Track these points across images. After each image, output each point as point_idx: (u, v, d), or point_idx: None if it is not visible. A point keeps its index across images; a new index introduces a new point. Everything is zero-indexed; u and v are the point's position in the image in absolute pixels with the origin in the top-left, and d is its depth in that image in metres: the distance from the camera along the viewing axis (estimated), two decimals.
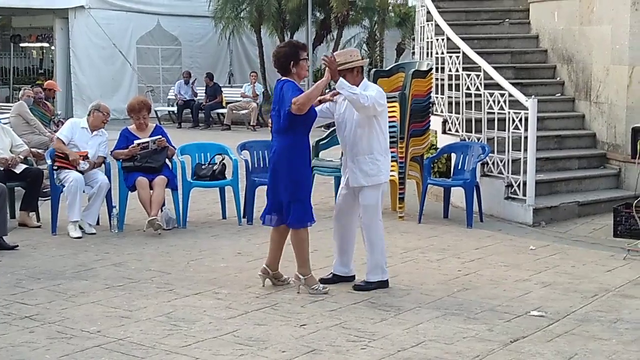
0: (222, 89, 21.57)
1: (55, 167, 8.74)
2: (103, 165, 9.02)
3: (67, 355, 5.11)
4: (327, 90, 7.14)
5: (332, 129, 10.31)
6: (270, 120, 6.71)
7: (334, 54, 6.61)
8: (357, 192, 6.64)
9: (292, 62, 6.40)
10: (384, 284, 6.62)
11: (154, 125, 9.30)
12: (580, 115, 11.20)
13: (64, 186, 8.63)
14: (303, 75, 6.51)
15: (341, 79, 6.33)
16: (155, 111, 19.82)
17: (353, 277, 6.79)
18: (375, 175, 6.55)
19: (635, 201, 8.47)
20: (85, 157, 8.75)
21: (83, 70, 21.37)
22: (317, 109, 6.63)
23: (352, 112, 6.51)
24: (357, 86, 6.44)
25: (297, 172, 6.40)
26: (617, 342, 5.43)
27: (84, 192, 8.67)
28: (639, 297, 6.48)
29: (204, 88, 21.29)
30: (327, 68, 6.37)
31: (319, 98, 6.65)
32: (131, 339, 5.40)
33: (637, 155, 8.22)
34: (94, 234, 8.60)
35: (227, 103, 20.95)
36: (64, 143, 8.82)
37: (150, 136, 8.92)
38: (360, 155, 6.55)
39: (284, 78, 6.46)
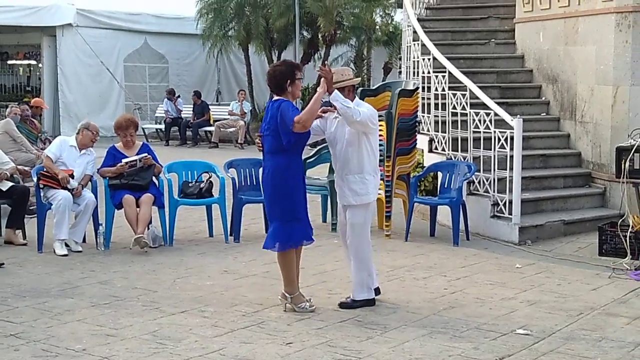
0: (210, 107, 21.59)
1: (41, 186, 8.71)
2: (90, 183, 9.01)
3: None
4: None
5: (319, 147, 10.37)
6: (259, 140, 6.68)
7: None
8: (346, 210, 6.66)
9: (288, 81, 6.41)
10: (369, 303, 6.63)
11: (141, 143, 9.30)
12: (565, 135, 11.28)
13: (50, 204, 8.61)
14: (297, 95, 6.53)
15: (336, 91, 6.36)
16: (143, 129, 19.80)
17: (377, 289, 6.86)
18: (365, 195, 6.57)
19: (620, 220, 8.52)
20: (71, 176, 8.73)
21: (70, 87, 21.34)
22: None
23: (344, 131, 6.54)
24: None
25: (294, 193, 6.41)
26: None
27: (72, 210, 8.65)
28: (624, 315, 6.52)
29: (192, 106, 21.31)
30: (322, 79, 6.39)
31: None
32: (117, 358, 5.39)
33: (622, 175, 8.27)
34: (81, 251, 8.58)
35: (215, 121, 20.97)
36: (52, 161, 8.80)
37: (137, 154, 8.92)
38: (350, 174, 6.57)
39: (277, 97, 6.46)
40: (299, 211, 6.49)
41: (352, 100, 6.53)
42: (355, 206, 6.58)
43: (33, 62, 26.36)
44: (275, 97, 6.51)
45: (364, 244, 6.63)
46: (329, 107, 6.60)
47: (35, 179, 8.84)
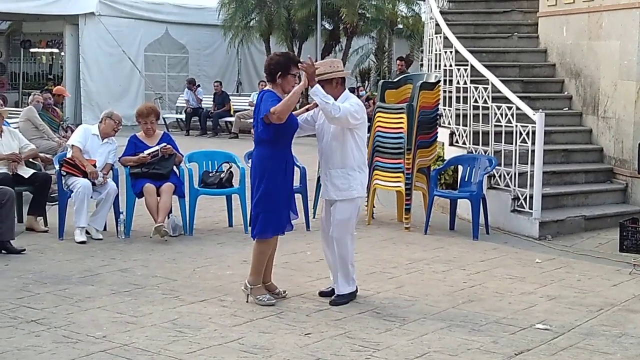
0: (230, 98, 21.63)
1: (63, 173, 8.77)
2: (111, 171, 9.06)
3: None
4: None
5: None
6: (252, 131, 6.65)
7: (315, 63, 6.45)
8: (330, 205, 6.58)
9: (279, 73, 6.34)
10: (354, 295, 6.58)
11: (162, 132, 9.34)
12: (587, 130, 11.21)
13: (71, 191, 8.66)
14: (287, 90, 6.31)
15: (317, 85, 6.21)
16: (164, 118, 19.89)
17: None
18: (347, 190, 6.42)
19: None
20: (94, 166, 8.78)
21: (92, 76, 21.45)
22: (300, 118, 6.59)
23: (329, 124, 6.42)
24: (337, 98, 6.34)
25: (269, 184, 6.31)
26: (621, 356, 5.43)
27: (92, 197, 8.70)
28: None
29: (212, 96, 21.36)
30: (305, 73, 6.27)
31: (306, 107, 6.67)
32: (136, 345, 5.42)
33: None
34: (101, 239, 8.63)
35: (235, 111, 21.00)
36: (80, 151, 8.83)
37: (157, 143, 8.96)
38: (333, 169, 6.45)
39: (266, 88, 6.43)
40: (276, 202, 6.34)
41: (340, 93, 6.40)
42: (340, 201, 6.44)
43: (55, 50, 26.54)
44: (265, 87, 6.48)
45: (346, 239, 6.48)
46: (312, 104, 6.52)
47: (57, 167, 8.89)
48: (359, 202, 6.58)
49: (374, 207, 9.97)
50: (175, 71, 23.62)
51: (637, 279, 7.51)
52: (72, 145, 8.92)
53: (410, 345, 5.54)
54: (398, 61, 19.46)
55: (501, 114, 9.63)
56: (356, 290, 6.63)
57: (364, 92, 22.16)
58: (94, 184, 8.68)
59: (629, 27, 10.21)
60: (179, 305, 6.35)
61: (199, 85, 21.78)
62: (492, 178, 9.78)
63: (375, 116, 9.78)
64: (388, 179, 9.55)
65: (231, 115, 21.00)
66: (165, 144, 8.95)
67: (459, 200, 9.61)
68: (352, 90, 21.89)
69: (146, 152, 8.86)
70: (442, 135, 10.70)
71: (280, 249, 8.11)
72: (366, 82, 24.89)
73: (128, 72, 21.95)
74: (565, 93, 11.80)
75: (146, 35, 22.52)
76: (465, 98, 10.42)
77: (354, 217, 6.53)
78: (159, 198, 8.68)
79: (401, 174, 9.41)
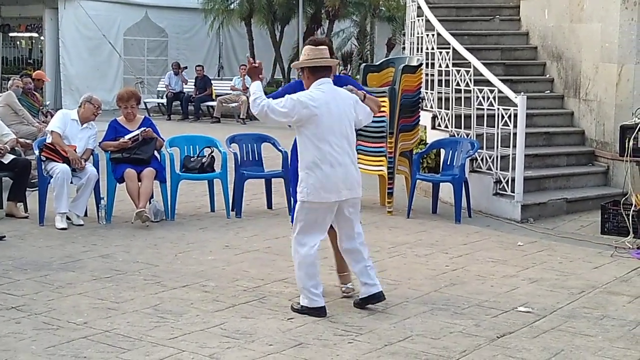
0: (212, 82, 21.52)
1: (43, 158, 8.69)
2: (91, 157, 8.99)
3: (53, 347, 5.09)
4: None
5: None
6: None
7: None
8: None
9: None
10: (312, 312, 5.77)
11: (143, 117, 9.27)
12: (569, 113, 11.23)
13: (51, 177, 8.59)
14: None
15: (256, 82, 5.86)
16: (145, 103, 19.78)
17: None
18: (298, 191, 5.90)
19: (623, 199, 8.50)
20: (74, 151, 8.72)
21: (72, 60, 21.31)
22: None
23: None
24: (308, 88, 5.87)
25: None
26: (603, 338, 5.45)
27: (72, 183, 8.64)
28: (626, 294, 6.51)
29: (194, 80, 21.26)
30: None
31: None
32: (118, 331, 5.39)
33: (626, 153, 8.24)
34: (82, 225, 8.57)
35: (217, 96, 20.92)
36: (60, 137, 8.75)
37: (138, 128, 8.90)
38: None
39: (342, 74, 6.28)
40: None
41: (310, 83, 5.86)
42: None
43: (35, 34, 26.31)
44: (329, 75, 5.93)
45: (293, 243, 5.94)
46: None
47: (37, 152, 8.82)
48: (305, 206, 5.80)
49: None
50: (155, 55, 23.47)
51: (619, 261, 7.54)
52: (52, 131, 8.83)
53: (393, 329, 5.53)
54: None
55: (483, 97, 9.63)
56: (315, 309, 5.79)
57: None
58: (73, 170, 8.61)
59: (611, 10, 10.21)
60: (161, 291, 6.31)
61: (185, 67, 21.66)
62: (475, 161, 9.79)
63: None
64: (370, 163, 9.52)
65: (213, 100, 20.91)
66: (145, 127, 8.88)
67: (441, 183, 9.62)
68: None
69: (127, 137, 8.79)
70: (425, 118, 10.68)
71: (264, 234, 8.13)
72: (348, 65, 24.84)
73: (106, 57, 21.81)
74: (547, 76, 11.81)
75: (125, 19, 22.37)
76: (447, 81, 10.40)
77: (299, 222, 5.83)
78: (140, 183, 8.62)
79: (383, 158, 9.39)
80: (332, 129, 5.74)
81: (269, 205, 9.71)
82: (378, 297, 5.95)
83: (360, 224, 6.04)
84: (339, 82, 6.09)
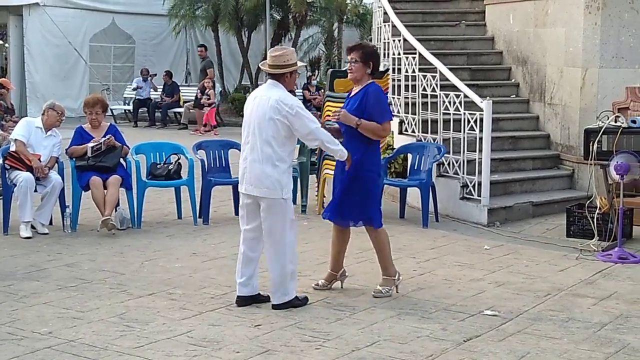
0: (180, 88, 21.43)
1: (7, 167, 8.59)
2: (56, 164, 8.90)
3: (17, 357, 5.03)
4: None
5: None
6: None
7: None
8: None
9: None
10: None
11: (108, 124, 9.21)
12: (534, 117, 11.33)
13: (15, 185, 8.49)
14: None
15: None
16: (112, 109, 19.64)
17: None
18: None
19: (588, 202, 8.57)
20: (38, 160, 8.62)
21: (37, 67, 21.09)
22: None
23: None
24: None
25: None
26: (568, 341, 5.50)
27: (36, 191, 8.55)
28: (591, 296, 6.57)
29: (162, 86, 21.16)
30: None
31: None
32: (83, 340, 5.34)
33: (590, 157, 8.32)
34: (47, 234, 8.49)
35: (185, 102, 20.82)
36: (24, 145, 8.65)
37: (104, 135, 8.83)
38: None
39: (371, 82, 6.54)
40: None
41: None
42: None
43: None
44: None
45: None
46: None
47: (0, 160, 8.71)
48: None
49: (324, 196, 9.95)
50: (121, 62, 23.31)
51: (584, 264, 7.61)
52: (15, 140, 8.73)
53: (361, 334, 5.54)
54: None
55: (449, 102, 9.68)
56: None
57: (315, 81, 22.14)
58: (37, 178, 8.52)
59: (574, 14, 10.32)
60: (127, 300, 6.26)
61: (155, 75, 21.55)
62: (441, 166, 9.83)
63: (325, 105, 9.76)
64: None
65: (180, 106, 20.81)
66: (109, 136, 8.81)
67: (408, 188, 9.65)
68: (306, 81, 21.93)
69: (89, 145, 8.69)
70: (392, 123, 10.67)
71: (231, 241, 8.09)
72: (316, 71, 24.86)
73: (73, 63, 21.63)
74: (513, 80, 11.90)
75: (92, 26, 22.19)
76: (414, 86, 10.45)
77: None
78: (105, 191, 8.55)
79: None
80: (248, 125, 6.09)
81: (237, 212, 9.64)
82: (245, 302, 6.14)
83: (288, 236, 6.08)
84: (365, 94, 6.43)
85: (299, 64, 6.29)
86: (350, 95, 6.63)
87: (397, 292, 6.52)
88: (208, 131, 18.80)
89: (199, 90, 19.72)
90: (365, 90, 6.48)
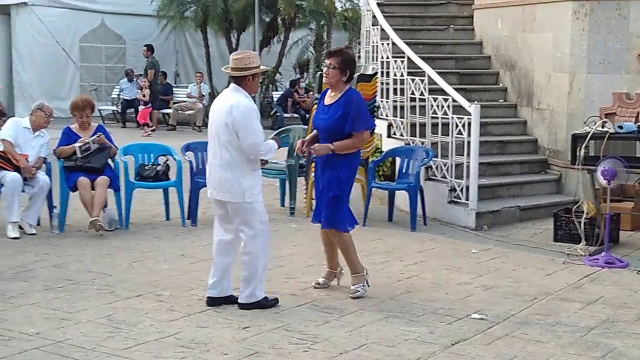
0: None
1: None
2: (44, 165, 8.88)
3: (4, 358, 5.01)
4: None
5: (277, 130, 10.33)
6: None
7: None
8: None
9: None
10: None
11: (96, 124, 9.18)
12: (522, 121, 11.37)
13: (2, 185, 8.46)
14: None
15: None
16: (99, 110, 19.58)
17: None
18: None
19: (575, 206, 8.62)
20: (26, 160, 8.59)
21: (25, 67, 20.97)
22: None
23: None
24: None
25: None
26: (555, 345, 5.52)
27: (23, 191, 8.52)
28: (578, 300, 6.60)
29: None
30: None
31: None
32: (71, 342, 5.33)
33: (577, 162, 8.37)
34: (34, 234, 8.46)
35: (173, 103, 20.79)
36: (12, 145, 8.62)
37: (91, 136, 8.80)
38: None
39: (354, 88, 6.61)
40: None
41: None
42: None
43: None
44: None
45: None
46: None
47: None
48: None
49: (312, 199, 9.95)
50: (113, 62, 23.23)
51: (571, 269, 7.65)
52: (3, 140, 8.70)
53: (349, 337, 5.55)
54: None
55: (438, 106, 9.71)
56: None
57: (304, 83, 22.15)
58: (25, 179, 8.49)
59: (562, 20, 10.38)
60: (115, 301, 6.26)
61: (140, 75, 21.50)
62: (429, 169, 9.86)
63: (313, 108, 9.75)
64: None
65: (169, 107, 20.77)
66: (99, 134, 8.78)
67: (396, 191, 9.67)
68: (293, 82, 21.94)
69: (77, 144, 8.66)
70: (380, 127, 10.71)
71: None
72: (305, 73, 24.86)
73: (62, 64, 21.53)
74: (501, 85, 11.95)
75: (81, 26, 22.08)
76: (402, 90, 10.47)
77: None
78: (93, 192, 8.53)
79: None
80: (210, 130, 6.18)
81: None
82: (216, 302, 6.19)
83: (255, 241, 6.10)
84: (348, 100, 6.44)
85: (262, 67, 6.29)
86: (327, 103, 6.56)
87: (368, 285, 6.58)
88: (154, 130, 18.93)
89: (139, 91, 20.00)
90: (348, 97, 6.47)
